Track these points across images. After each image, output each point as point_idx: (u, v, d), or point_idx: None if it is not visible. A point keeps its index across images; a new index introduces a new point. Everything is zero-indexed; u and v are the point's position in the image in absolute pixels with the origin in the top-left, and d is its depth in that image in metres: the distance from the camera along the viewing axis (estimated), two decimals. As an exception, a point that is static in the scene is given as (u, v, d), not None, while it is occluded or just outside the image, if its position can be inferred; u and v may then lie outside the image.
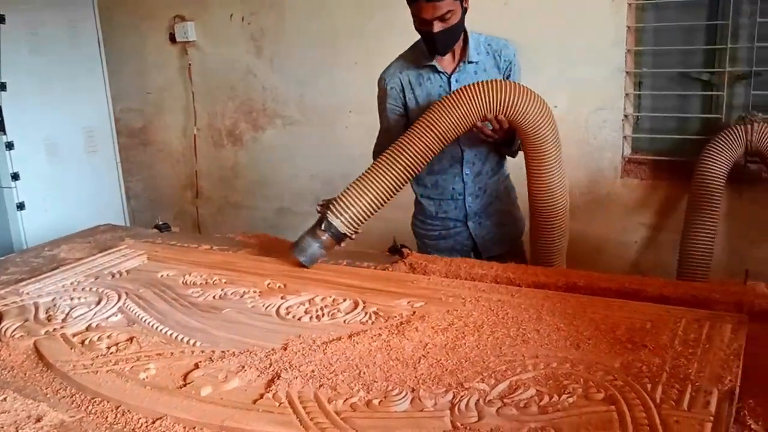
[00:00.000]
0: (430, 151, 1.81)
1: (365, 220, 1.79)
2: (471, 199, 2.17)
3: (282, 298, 1.55)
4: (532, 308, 1.39)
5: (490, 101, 1.79)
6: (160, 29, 3.89)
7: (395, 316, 1.40)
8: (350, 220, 1.77)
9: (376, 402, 1.08)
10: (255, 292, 1.61)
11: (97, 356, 1.30)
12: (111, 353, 1.31)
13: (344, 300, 1.51)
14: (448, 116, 1.79)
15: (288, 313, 1.47)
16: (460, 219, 2.21)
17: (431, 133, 1.80)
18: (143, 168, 4.23)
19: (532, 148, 1.89)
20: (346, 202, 1.77)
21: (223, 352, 1.28)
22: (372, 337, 1.30)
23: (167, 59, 3.93)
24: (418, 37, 1.99)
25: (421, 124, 1.82)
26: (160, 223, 2.29)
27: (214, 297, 1.59)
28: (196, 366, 1.23)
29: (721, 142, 2.36)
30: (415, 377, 1.14)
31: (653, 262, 2.81)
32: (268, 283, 1.66)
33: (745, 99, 2.59)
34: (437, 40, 1.91)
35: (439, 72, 2.04)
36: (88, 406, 1.13)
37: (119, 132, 3.89)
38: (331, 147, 3.42)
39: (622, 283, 1.50)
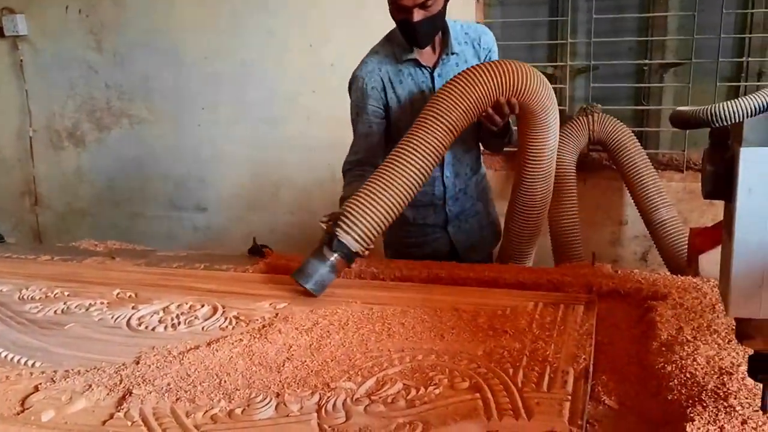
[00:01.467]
0: (442, 147, 1.58)
1: (379, 233, 1.52)
2: (452, 202, 2.01)
3: (133, 308, 1.44)
4: (397, 302, 1.39)
5: (502, 84, 1.60)
6: (-15, 22, 3.53)
7: (257, 320, 1.35)
8: (362, 235, 1.49)
9: (238, 411, 1.02)
10: (102, 303, 1.48)
11: None
12: (-70, 383, 1.15)
13: (202, 306, 1.43)
14: (458, 104, 1.58)
15: (140, 324, 1.37)
16: (439, 224, 2.05)
17: (442, 125, 1.57)
18: (-28, 175, 3.84)
19: (534, 133, 1.74)
20: (356, 215, 1.49)
21: (66, 371, 1.16)
22: (233, 343, 1.23)
23: (-5, 55, 3.58)
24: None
25: (429, 117, 1.59)
26: (-8, 234, 2.07)
27: (55, 312, 1.45)
28: (36, 389, 1.11)
29: (567, 132, 2.50)
30: (280, 381, 1.10)
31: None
32: (118, 293, 1.54)
33: (585, 91, 2.77)
34: (418, 30, 1.73)
35: (421, 66, 1.85)
36: None
37: (-58, 137, 3.50)
38: (184, 147, 3.27)
39: (481, 272, 1.53)
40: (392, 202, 1.51)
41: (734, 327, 0.87)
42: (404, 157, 1.54)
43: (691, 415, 0.92)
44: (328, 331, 1.27)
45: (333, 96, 2.92)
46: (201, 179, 3.27)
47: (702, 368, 1.04)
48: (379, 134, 1.88)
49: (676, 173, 2.52)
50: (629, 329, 1.26)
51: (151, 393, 1.07)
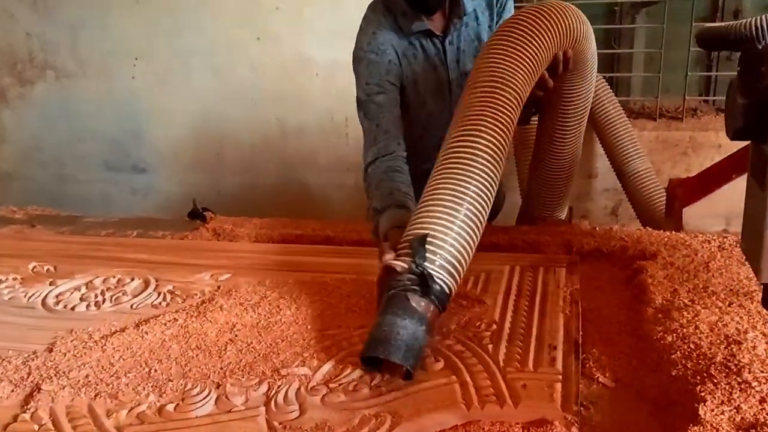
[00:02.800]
0: (513, 123, 1.12)
1: (470, 258, 1.01)
2: None
3: (51, 284, 1.25)
4: (355, 270, 1.23)
5: (561, 32, 1.23)
6: None
7: (195, 294, 1.17)
8: (455, 265, 0.98)
9: (170, 408, 0.85)
10: (15, 279, 1.29)
11: None
12: None
13: (131, 279, 1.25)
14: (521, 65, 1.16)
15: (58, 303, 1.18)
16: None
17: (509, 94, 1.12)
18: None
19: (575, 88, 1.44)
20: (444, 238, 0.97)
21: (-37, 363, 0.97)
22: (166, 324, 1.05)
23: None
24: None
25: (490, 84, 1.13)
26: None
27: (-43, 291, 1.24)
28: (-76, 386, 0.92)
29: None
30: (221, 369, 0.93)
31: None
32: (34, 267, 1.34)
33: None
34: None
35: (434, 37, 1.50)
36: None
37: None
38: (117, 102, 2.99)
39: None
40: (477, 210, 1.01)
41: (761, 292, 0.74)
42: (476, 140, 1.05)
43: (702, 393, 0.79)
44: (278, 307, 1.10)
45: (279, 44, 2.72)
46: (137, 137, 3.00)
47: (706, 337, 0.91)
48: (399, 116, 1.49)
49: (649, 122, 2.40)
50: (617, 293, 1.13)
51: (64, 388, 0.89)
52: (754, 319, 0.95)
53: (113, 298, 1.18)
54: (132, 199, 3.10)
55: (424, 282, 0.93)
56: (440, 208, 0.99)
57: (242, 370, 0.92)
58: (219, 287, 1.19)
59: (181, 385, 0.89)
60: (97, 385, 0.90)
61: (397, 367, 0.88)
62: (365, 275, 1.18)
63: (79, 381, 0.91)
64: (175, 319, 1.07)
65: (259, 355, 0.96)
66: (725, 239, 1.27)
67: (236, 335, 1.01)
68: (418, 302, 0.92)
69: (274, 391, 0.87)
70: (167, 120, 2.95)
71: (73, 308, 1.15)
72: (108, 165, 3.08)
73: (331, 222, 1.51)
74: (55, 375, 0.92)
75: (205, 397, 0.86)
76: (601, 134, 2.09)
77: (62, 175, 3.19)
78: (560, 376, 0.86)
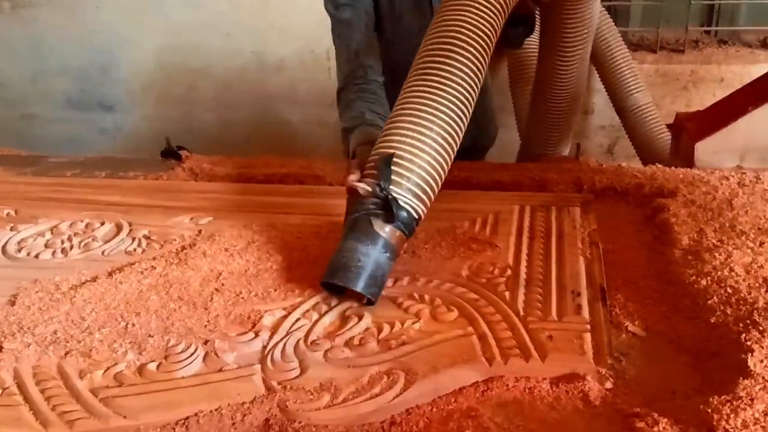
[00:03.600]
0: (496, 32, 0.97)
1: (441, 180, 0.92)
2: None
3: (12, 229, 1.12)
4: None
5: None
6: None
7: (174, 240, 1.06)
8: (424, 188, 0.89)
9: (152, 367, 0.75)
10: (-28, 224, 1.16)
11: None
12: None
13: (102, 223, 1.13)
14: None
15: (20, 250, 1.06)
16: None
17: (492, 9, 0.96)
18: None
19: (578, 9, 1.29)
20: (412, 159, 0.87)
21: None
22: (143, 272, 0.94)
23: None
24: None
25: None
26: None
27: None
28: None
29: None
30: (207, 322, 0.83)
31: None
32: (-7, 211, 1.21)
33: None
34: None
35: None
36: None
37: None
38: (81, 34, 2.78)
39: (450, 170, 1.26)
40: (452, 126, 0.89)
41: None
42: (453, 49, 0.91)
43: (748, 343, 0.71)
44: (267, 252, 0.99)
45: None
46: (104, 72, 2.81)
47: (743, 280, 0.83)
48: (373, 38, 1.36)
49: (648, 54, 2.29)
50: (636, 234, 1.04)
51: (29, 346, 0.79)
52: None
53: (82, 244, 1.06)
54: (100, 139, 2.94)
55: (389, 207, 0.85)
56: (410, 125, 0.88)
57: (231, 323, 0.82)
58: (200, 231, 1.08)
59: (163, 342, 0.79)
60: (67, 342, 0.79)
61: (360, 295, 0.83)
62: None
63: (46, 338, 0.80)
64: (153, 267, 0.95)
65: (249, 306, 0.86)
66: (744, 175, 1.18)
67: (223, 284, 0.91)
68: (381, 228, 0.85)
69: (269, 347, 0.77)
70: (135, 53, 2.76)
71: (37, 256, 1.04)
72: (72, 103, 2.90)
73: (318, 161, 1.39)
74: (19, 331, 0.81)
75: (191, 355, 0.76)
76: (601, 66, 1.98)
77: (24, 114, 3.00)
78: (588, 326, 0.78)
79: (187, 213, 1.14)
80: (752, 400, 0.63)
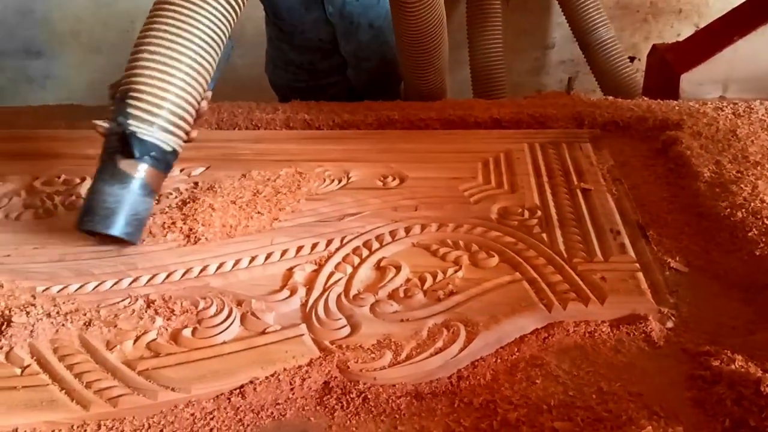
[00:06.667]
0: None
1: (196, 107, 0.88)
2: (344, 41, 1.53)
3: (-23, 189, 1.01)
4: (352, 157, 1.06)
5: None
6: None
7: (170, 194, 0.97)
8: (176, 117, 0.85)
9: (187, 333, 0.69)
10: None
11: None
12: None
13: (83, 179, 1.03)
14: None
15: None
16: (335, 69, 1.59)
17: None
18: None
19: None
20: (157, 91, 0.83)
21: None
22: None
23: None
24: None
25: None
26: None
27: None
28: None
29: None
30: (233, 282, 0.77)
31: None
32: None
33: None
34: None
35: None
36: None
37: None
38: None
39: (443, 110, 1.22)
40: (201, 61, 0.85)
41: None
42: None
43: (797, 273, 0.71)
44: (279, 202, 0.93)
45: None
46: (27, 14, 2.57)
47: (778, 211, 0.83)
48: None
49: (608, -15, 2.27)
50: (648, 168, 1.03)
51: (43, 319, 0.70)
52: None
53: (66, 203, 0.96)
54: (28, 88, 2.71)
55: (128, 142, 0.81)
56: (152, 57, 0.82)
57: (260, 282, 0.76)
58: (196, 184, 1.00)
59: (191, 305, 0.72)
60: (87, 311, 0.71)
61: (118, 237, 0.81)
62: (367, 161, 1.03)
63: (61, 309, 0.72)
64: (161, 224, 0.88)
65: (275, 263, 0.80)
66: (736, 105, 1.18)
67: (240, 241, 0.84)
68: (130, 165, 0.82)
69: (310, 304, 0.72)
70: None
71: (17, 218, 0.94)
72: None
73: (314, 105, 1.31)
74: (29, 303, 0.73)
75: (226, 318, 0.70)
76: (564, 1, 1.93)
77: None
78: (638, 264, 0.76)
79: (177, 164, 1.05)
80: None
